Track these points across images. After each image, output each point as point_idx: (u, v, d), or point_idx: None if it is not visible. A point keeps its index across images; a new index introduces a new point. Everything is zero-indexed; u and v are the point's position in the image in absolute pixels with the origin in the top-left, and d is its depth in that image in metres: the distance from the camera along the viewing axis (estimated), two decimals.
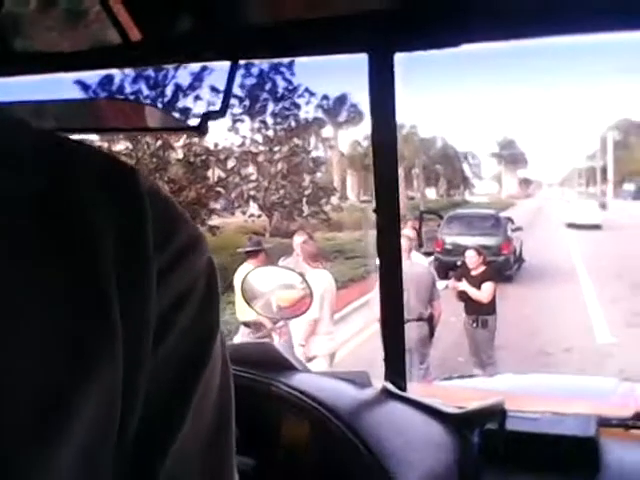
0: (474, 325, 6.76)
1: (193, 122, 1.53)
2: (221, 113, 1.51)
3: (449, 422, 1.29)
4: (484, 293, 6.66)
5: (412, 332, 5.74)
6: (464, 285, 6.77)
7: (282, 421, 1.29)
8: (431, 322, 5.99)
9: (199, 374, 0.44)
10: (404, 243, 5.85)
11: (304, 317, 5.49)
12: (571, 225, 23.56)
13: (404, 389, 1.44)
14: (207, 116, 1.50)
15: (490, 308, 6.78)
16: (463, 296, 6.84)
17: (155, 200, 0.43)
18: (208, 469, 0.45)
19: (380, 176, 1.45)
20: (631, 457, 1.26)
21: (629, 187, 45.45)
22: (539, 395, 2.24)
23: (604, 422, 1.31)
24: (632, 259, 14.60)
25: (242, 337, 6.23)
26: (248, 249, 6.53)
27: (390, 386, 1.40)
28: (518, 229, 15.31)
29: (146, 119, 1.60)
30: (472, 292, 6.69)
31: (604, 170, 49.40)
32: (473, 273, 6.83)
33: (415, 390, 1.52)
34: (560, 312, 10.35)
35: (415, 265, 5.99)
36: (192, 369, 0.43)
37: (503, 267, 12.26)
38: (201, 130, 1.51)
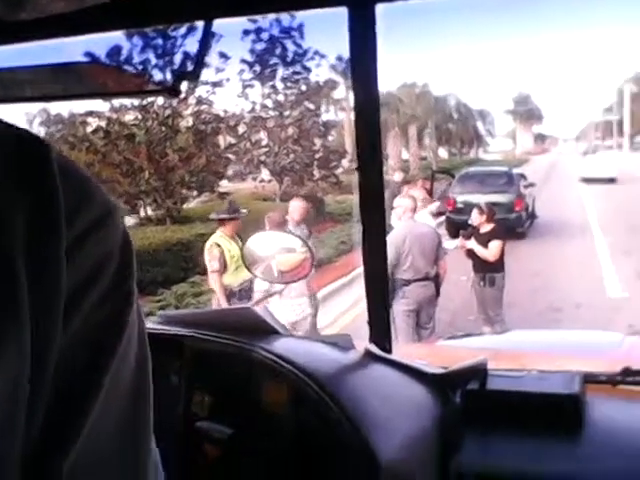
0: (481, 284, 6.77)
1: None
2: (195, 74, 1.47)
3: (431, 383, 1.27)
4: (491, 251, 6.63)
5: (418, 292, 5.76)
6: (472, 243, 6.75)
7: (261, 387, 1.27)
8: (437, 281, 5.99)
9: (113, 348, 0.44)
10: (409, 203, 5.90)
11: (257, 287, 5.45)
12: (586, 180, 23.31)
13: (389, 351, 1.41)
14: (180, 77, 1.46)
15: (498, 266, 6.76)
16: (471, 254, 6.82)
17: (67, 174, 0.43)
18: (124, 445, 0.45)
19: (362, 133, 1.41)
20: (618, 414, 1.23)
21: None
22: (536, 352, 2.21)
23: (591, 379, 1.28)
24: None
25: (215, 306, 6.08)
26: (221, 216, 6.21)
27: (373, 348, 1.38)
28: (531, 185, 15.17)
29: (119, 83, 1.56)
30: (479, 250, 6.67)
31: (620, 123, 48.74)
32: (481, 231, 6.80)
33: (402, 351, 1.49)
34: (572, 268, 10.28)
35: (420, 225, 5.99)
36: (105, 342, 0.43)
37: (515, 224, 12.21)
38: (174, 91, 1.47)
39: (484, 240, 6.70)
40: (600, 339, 3.13)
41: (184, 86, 1.50)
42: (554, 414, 1.18)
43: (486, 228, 6.78)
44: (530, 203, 14.14)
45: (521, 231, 12.57)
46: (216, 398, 1.31)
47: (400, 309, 5.65)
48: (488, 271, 6.70)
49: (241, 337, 1.34)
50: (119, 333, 0.44)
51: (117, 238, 0.46)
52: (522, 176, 15.25)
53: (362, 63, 1.36)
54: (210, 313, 1.69)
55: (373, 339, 1.43)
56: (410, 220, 5.87)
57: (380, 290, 1.47)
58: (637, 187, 21.49)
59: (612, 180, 22.86)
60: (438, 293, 6.05)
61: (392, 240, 5.31)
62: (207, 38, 1.46)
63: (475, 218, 6.86)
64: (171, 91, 1.46)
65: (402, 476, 1.08)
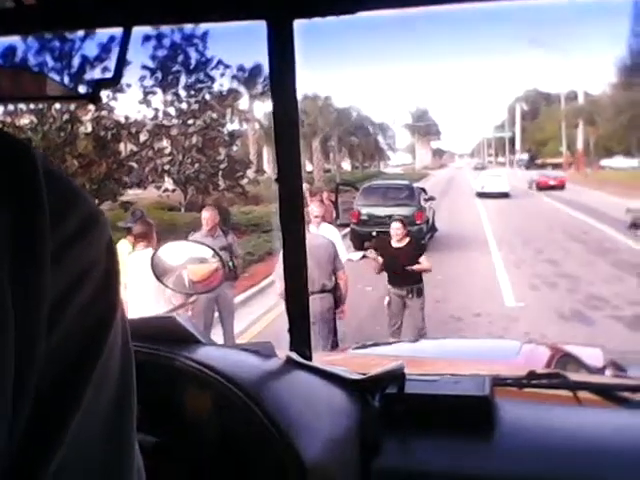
0: (410, 296, 6.75)
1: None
2: (114, 81, 1.46)
3: (351, 388, 1.30)
4: (425, 262, 6.72)
5: (315, 305, 5.76)
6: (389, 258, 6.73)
7: (185, 396, 1.27)
8: (335, 293, 6.02)
9: (99, 351, 0.44)
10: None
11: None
12: (480, 194, 24.36)
13: (309, 358, 1.45)
14: (99, 84, 1.45)
15: (419, 276, 6.81)
16: (389, 268, 6.82)
17: (51, 179, 0.43)
18: (107, 453, 0.45)
19: (282, 145, 1.44)
20: (524, 414, 1.31)
21: (523, 157, 48.05)
22: (445, 359, 2.30)
23: (499, 382, 1.36)
24: (535, 225, 15.24)
25: None
26: (128, 224, 6.11)
27: (294, 355, 1.40)
28: (431, 199, 15.69)
29: (36, 88, 1.52)
30: (418, 266, 6.67)
31: (512, 140, 51.21)
32: (395, 245, 6.81)
33: (321, 359, 1.53)
34: (470, 279, 10.73)
35: (314, 237, 5.94)
36: (92, 345, 0.44)
37: (417, 236, 12.56)
38: (93, 98, 1.46)
39: (401, 253, 6.70)
40: (500, 346, 3.29)
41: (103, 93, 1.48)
42: (467, 415, 1.24)
43: (403, 242, 6.80)
44: (430, 216, 14.62)
45: (423, 243, 12.97)
46: (140, 408, 1.30)
47: None
48: (414, 282, 6.73)
49: (164, 346, 1.33)
50: (105, 336, 0.44)
51: (103, 243, 0.46)
52: (422, 190, 15.76)
53: (281, 76, 1.40)
54: (132, 322, 1.66)
55: (294, 347, 1.46)
56: (306, 233, 5.88)
57: (300, 298, 1.50)
58: (527, 202, 22.68)
59: (505, 195, 24.01)
60: (337, 305, 6.09)
61: None
62: (126, 45, 1.45)
63: (397, 231, 6.82)
64: (90, 98, 1.45)
65: (326, 478, 1.12)
